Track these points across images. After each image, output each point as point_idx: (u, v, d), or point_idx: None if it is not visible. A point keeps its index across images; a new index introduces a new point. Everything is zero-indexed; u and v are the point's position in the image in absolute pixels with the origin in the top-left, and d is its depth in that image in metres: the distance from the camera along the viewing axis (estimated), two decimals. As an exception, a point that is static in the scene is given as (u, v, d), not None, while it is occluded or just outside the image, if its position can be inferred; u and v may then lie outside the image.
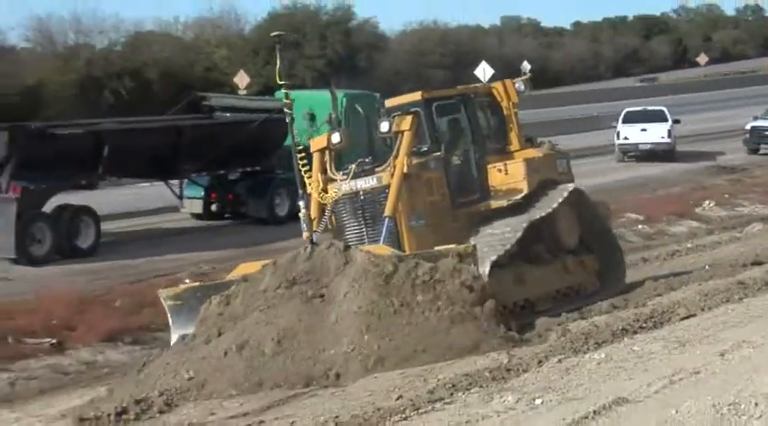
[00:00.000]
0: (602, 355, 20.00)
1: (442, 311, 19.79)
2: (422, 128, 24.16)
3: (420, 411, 17.39)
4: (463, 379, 18.99)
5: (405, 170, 22.03)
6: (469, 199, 24.08)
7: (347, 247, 20.79)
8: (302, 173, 23.99)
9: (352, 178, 22.86)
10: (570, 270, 24.76)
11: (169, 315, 21.91)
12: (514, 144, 25.24)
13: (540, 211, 23.43)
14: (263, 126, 40.97)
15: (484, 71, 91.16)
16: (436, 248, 21.07)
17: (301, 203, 23.01)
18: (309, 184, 23.57)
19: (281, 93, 47.16)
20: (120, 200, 39.35)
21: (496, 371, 19.29)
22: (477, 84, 28.45)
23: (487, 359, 20.29)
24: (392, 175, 22.21)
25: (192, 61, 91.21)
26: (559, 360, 19.84)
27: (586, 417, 15.90)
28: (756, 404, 15.33)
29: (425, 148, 24.24)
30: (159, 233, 36.39)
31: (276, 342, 19.48)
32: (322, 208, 22.84)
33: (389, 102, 25.62)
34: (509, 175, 23.95)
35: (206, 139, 39.68)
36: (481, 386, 18.45)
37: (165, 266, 32.33)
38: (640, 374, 18.34)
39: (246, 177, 41.22)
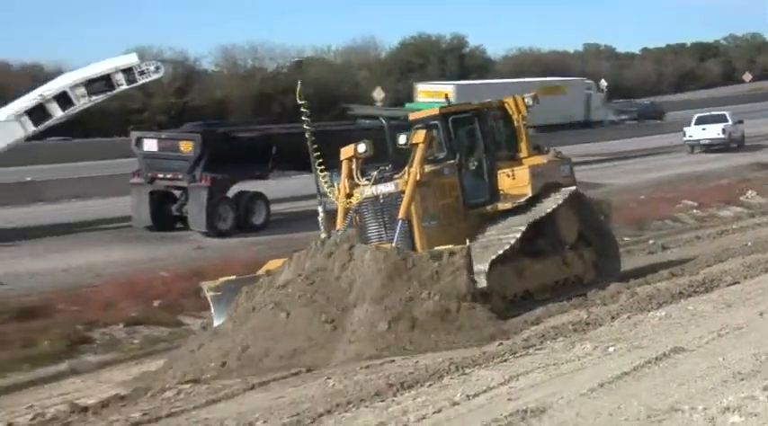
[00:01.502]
0: (663, 313, 20.17)
1: (437, 304, 19.11)
2: (438, 138, 23.25)
3: (516, 355, 17.67)
4: (551, 330, 19.33)
5: (417, 177, 21.33)
6: (480, 201, 23.20)
7: (352, 246, 20.14)
8: (321, 180, 24.33)
9: (373, 183, 22.14)
10: (569, 263, 23.66)
11: (211, 304, 21.63)
12: (523, 151, 24.05)
13: (539, 212, 22.58)
14: (395, 130, 41.12)
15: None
16: (435, 248, 20.40)
17: (319, 208, 23.67)
18: (330, 190, 23.67)
19: (408, 105, 47.51)
20: (288, 187, 39.37)
21: (578, 325, 19.61)
22: (490, 100, 25.02)
23: (570, 314, 20.70)
24: (406, 182, 21.48)
25: (341, 80, 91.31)
26: (628, 317, 20.09)
27: (650, 362, 16.03)
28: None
29: (442, 156, 23.29)
30: (313, 214, 36.57)
31: (287, 330, 19.02)
32: (346, 210, 22.24)
33: (413, 116, 25.19)
34: (516, 180, 23.11)
35: (350, 140, 39.81)
36: (565, 336, 18.77)
37: (308, 239, 32.22)
38: (693, 329, 18.50)
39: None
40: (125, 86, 36.17)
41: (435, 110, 23.74)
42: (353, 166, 22.45)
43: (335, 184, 41.07)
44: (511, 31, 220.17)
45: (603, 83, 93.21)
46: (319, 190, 25.38)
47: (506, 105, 24.12)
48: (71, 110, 35.07)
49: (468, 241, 20.53)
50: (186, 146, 35.40)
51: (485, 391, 15.32)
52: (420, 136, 21.71)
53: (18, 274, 27.61)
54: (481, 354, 17.76)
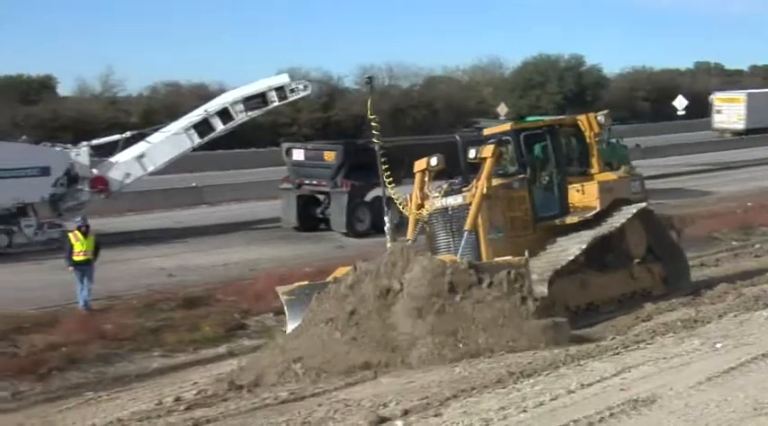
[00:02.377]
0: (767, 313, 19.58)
1: (490, 312, 17.94)
2: (510, 153, 22.22)
3: (628, 348, 17.36)
4: (661, 326, 18.99)
5: (484, 191, 20.11)
6: (550, 214, 21.69)
7: (410, 256, 18.80)
8: (390, 191, 23.40)
9: (443, 196, 21.04)
10: (636, 277, 21.95)
11: (285, 308, 20.57)
12: (595, 167, 22.80)
13: (606, 228, 21.05)
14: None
15: (680, 101, 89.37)
16: (495, 259, 19.34)
17: (386, 218, 22.68)
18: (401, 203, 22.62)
19: (530, 118, 46.93)
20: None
21: (686, 322, 19.20)
22: (563, 116, 24.58)
23: (679, 312, 20.24)
24: (474, 195, 20.31)
25: (467, 96, 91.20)
26: (735, 315, 19.65)
27: (756, 358, 15.73)
28: None
29: (513, 170, 22.01)
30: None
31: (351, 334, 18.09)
32: (416, 220, 21.26)
33: (486, 131, 23.78)
34: (585, 195, 21.73)
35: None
36: (674, 332, 18.38)
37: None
38: (798, 328, 17.96)
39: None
40: (277, 103, 36.49)
41: (508, 126, 22.84)
42: (426, 179, 21.66)
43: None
44: (625, 50, 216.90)
45: (682, 100, 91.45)
46: (386, 203, 25.27)
47: (579, 122, 23.04)
48: (231, 124, 35.42)
49: (527, 253, 19.24)
50: (329, 156, 35.86)
51: (598, 381, 15.12)
52: (488, 150, 20.75)
53: (186, 267, 27.95)
54: (595, 347, 17.55)
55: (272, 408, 15.33)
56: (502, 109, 58.60)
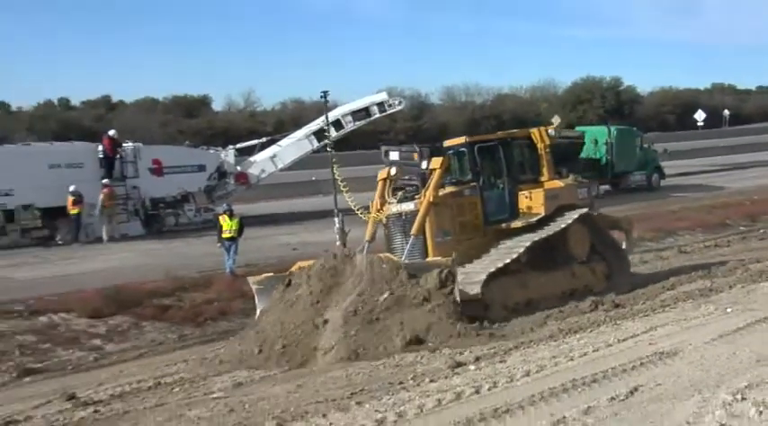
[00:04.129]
0: (769, 284, 19.45)
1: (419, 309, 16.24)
2: (465, 163, 20.19)
3: (656, 311, 17.26)
4: (682, 294, 18.83)
5: (431, 199, 18.38)
6: (500, 218, 19.68)
7: (351, 255, 17.55)
8: (346, 197, 22.25)
9: (398, 202, 19.25)
10: (577, 275, 19.76)
11: (255, 295, 18.69)
12: (545, 176, 20.51)
13: (547, 231, 19.18)
14: (565, 148, 40.26)
15: (700, 115, 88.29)
16: (429, 260, 17.77)
17: (336, 219, 21.27)
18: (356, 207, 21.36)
19: (581, 128, 46.41)
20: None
21: (703, 291, 19.04)
22: (516, 130, 21.63)
23: (697, 283, 20.05)
24: (421, 203, 18.60)
25: (528, 110, 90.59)
26: (743, 286, 19.38)
27: (759, 321, 15.55)
28: None
29: (468, 178, 19.98)
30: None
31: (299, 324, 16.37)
32: (375, 223, 19.55)
33: (446, 143, 21.10)
34: (533, 201, 19.77)
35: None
36: (693, 299, 18.21)
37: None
38: (794, 295, 17.78)
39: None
40: (378, 115, 36.55)
41: (463, 139, 20.36)
42: (386, 186, 19.77)
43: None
44: (656, 72, 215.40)
45: (700, 116, 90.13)
46: (337, 206, 24.30)
47: (532, 135, 20.93)
48: (342, 132, 35.59)
49: (454, 254, 17.50)
50: (415, 156, 35.61)
51: (632, 337, 15.06)
52: (437, 162, 19.13)
53: (306, 243, 27.83)
54: (629, 310, 17.51)
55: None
56: (555, 120, 58.05)
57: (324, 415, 11.69)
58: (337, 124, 35.58)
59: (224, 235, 23.88)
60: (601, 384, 12.14)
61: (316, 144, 35.55)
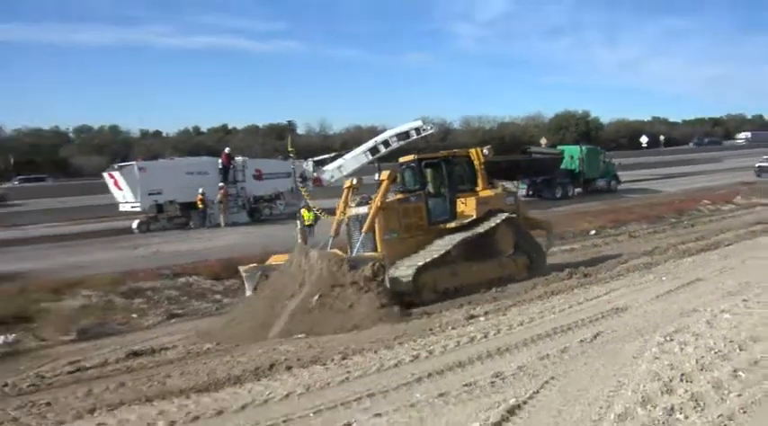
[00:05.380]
0: (691, 260, 19.29)
1: (357, 295, 14.67)
2: (413, 176, 18.62)
3: (614, 279, 17.22)
4: (632, 267, 18.69)
5: (378, 204, 16.86)
6: (441, 219, 18.12)
7: (308, 252, 15.84)
8: (309, 202, 20.54)
9: (356, 206, 17.74)
10: (503, 266, 18.19)
11: (245, 280, 16.78)
12: (480, 186, 18.92)
13: (475, 231, 17.60)
14: (550, 161, 40.24)
15: (644, 139, 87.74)
16: (365, 254, 16.30)
17: (298, 222, 18.77)
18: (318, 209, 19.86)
19: (560, 147, 46.10)
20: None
21: (646, 264, 18.83)
22: (457, 150, 19.69)
23: (642, 259, 19.81)
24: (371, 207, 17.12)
25: (523, 133, 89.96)
26: (673, 261, 19.23)
27: (684, 285, 15.53)
28: (759, 283, 14.86)
29: (416, 187, 18.36)
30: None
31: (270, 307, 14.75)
32: (338, 222, 17.95)
33: (402, 159, 19.71)
34: (467, 206, 18.37)
35: (527, 165, 39.16)
36: (639, 270, 18.09)
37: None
38: (707, 268, 17.63)
39: (542, 181, 40.14)
40: (415, 137, 36.19)
41: (413, 157, 18.93)
42: (350, 194, 18.05)
43: (518, 188, 40.69)
44: (613, 107, 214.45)
45: (644, 138, 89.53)
46: (300, 208, 22.38)
47: (470, 153, 19.37)
48: (389, 149, 35.23)
49: (384, 250, 16.56)
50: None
51: (596, 297, 15.02)
52: (385, 174, 17.67)
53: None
54: (594, 278, 17.40)
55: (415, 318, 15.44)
56: (543, 141, 57.54)
57: (375, 351, 11.82)
58: (385, 143, 35.55)
59: (306, 224, 24.16)
60: (573, 331, 12.17)
61: (370, 157, 35.37)
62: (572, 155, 41.44)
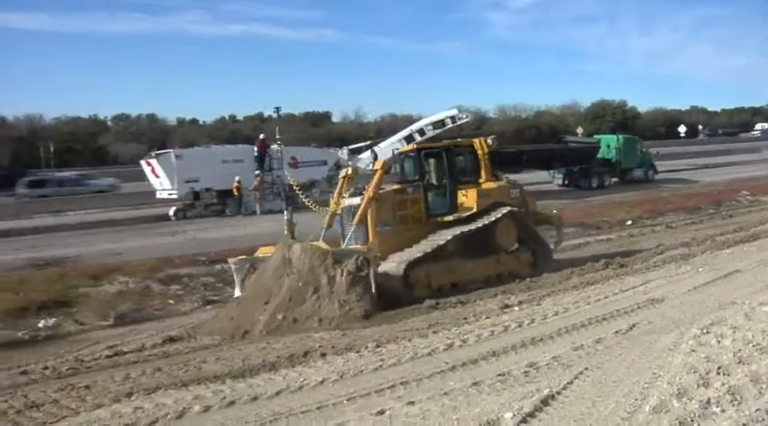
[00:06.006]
0: (730, 251, 19.00)
1: (337, 287, 13.99)
2: (413, 166, 17.72)
3: (650, 270, 17.06)
4: (669, 258, 18.47)
5: (371, 195, 16.08)
6: (440, 212, 17.28)
7: (292, 245, 15.03)
8: (294, 193, 19.39)
9: (350, 196, 16.85)
10: (503, 262, 17.32)
11: (234, 272, 15.81)
12: (483, 177, 17.94)
13: (474, 225, 16.77)
14: (586, 150, 39.89)
15: (682, 128, 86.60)
16: (350, 247, 15.49)
17: (285, 213, 17.27)
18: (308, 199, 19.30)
19: (597, 136, 45.64)
20: (530, 177, 38.31)
21: (684, 256, 18.61)
22: (460, 139, 18.38)
23: (679, 250, 19.60)
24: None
25: (559, 122, 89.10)
26: (711, 252, 18.98)
27: (721, 277, 15.29)
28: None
29: (415, 178, 17.53)
30: (543, 192, 35.63)
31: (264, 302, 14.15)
32: (332, 215, 16.91)
33: (402, 150, 18.99)
34: (467, 198, 17.36)
35: (563, 154, 38.91)
36: (676, 262, 17.83)
37: (540, 204, 31.22)
38: (746, 260, 17.30)
39: (578, 170, 39.83)
40: (450, 125, 36.13)
41: (413, 146, 18.24)
42: (344, 183, 17.23)
43: (554, 177, 40.35)
44: (653, 96, 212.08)
45: (683, 128, 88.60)
46: (287, 200, 21.03)
47: (474, 144, 18.32)
48: (425, 138, 35.11)
49: (368, 245, 15.63)
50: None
51: (631, 288, 14.88)
52: (378, 164, 17.02)
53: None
54: (630, 268, 17.26)
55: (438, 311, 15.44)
56: (579, 130, 57.16)
57: (409, 340, 11.82)
58: (421, 132, 35.50)
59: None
60: (608, 321, 12.07)
61: (405, 145, 35.55)
62: (609, 144, 41.16)
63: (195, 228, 27.34)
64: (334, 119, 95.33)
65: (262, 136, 35.56)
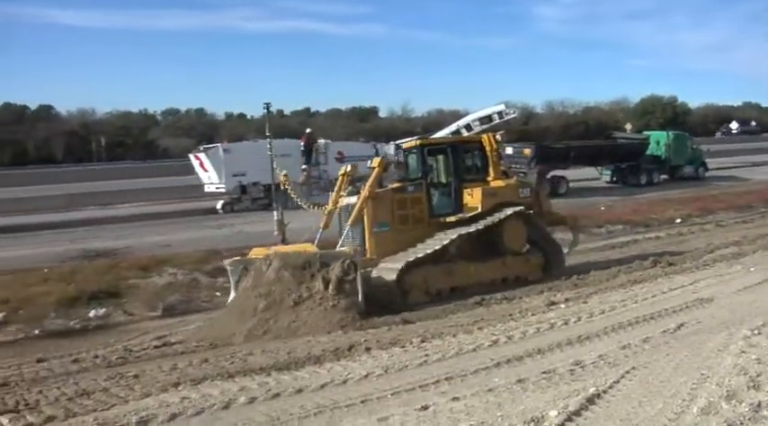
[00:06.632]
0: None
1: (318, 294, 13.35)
2: (416, 163, 16.62)
3: (699, 269, 16.83)
4: (719, 257, 18.25)
5: (366, 194, 15.38)
6: (444, 212, 16.39)
7: (272, 250, 14.88)
8: (285, 192, 19.12)
9: (347, 195, 16.16)
10: (509, 265, 16.42)
11: (229, 274, 15.00)
12: (492, 175, 16.88)
13: (476, 226, 15.89)
14: (635, 146, 39.32)
15: (734, 124, 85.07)
16: (336, 250, 14.68)
17: (275, 213, 17.22)
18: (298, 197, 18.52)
19: (646, 132, 44.97)
20: (579, 173, 37.89)
21: (734, 255, 18.38)
22: (467, 135, 16.86)
23: (730, 249, 19.29)
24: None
25: (608, 118, 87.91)
26: (762, 252, 18.72)
27: (776, 274, 15.04)
28: None
29: (418, 176, 16.52)
30: (591, 188, 35.27)
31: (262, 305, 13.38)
32: (329, 214, 16.38)
33: (405, 145, 17.68)
34: (473, 198, 16.35)
35: (611, 150, 38.38)
36: (727, 260, 17.63)
37: (588, 201, 31.03)
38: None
39: (627, 167, 39.25)
40: (497, 121, 35.65)
41: (416, 142, 17.17)
42: (343, 181, 16.59)
43: (602, 173, 39.86)
44: (702, 91, 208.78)
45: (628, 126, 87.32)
46: (276, 200, 20.37)
47: (483, 140, 17.34)
48: (471, 133, 34.87)
49: (354, 248, 14.67)
50: (526, 152, 34.94)
51: (680, 287, 14.72)
52: (376, 162, 16.17)
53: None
54: (679, 267, 17.04)
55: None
56: (628, 126, 56.26)
57: (454, 335, 11.83)
58: (468, 127, 35.30)
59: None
60: (656, 320, 11.93)
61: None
62: (658, 140, 40.53)
63: (242, 222, 27.58)
64: (381, 114, 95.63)
65: (308, 130, 35.78)
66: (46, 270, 18.27)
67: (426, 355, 10.61)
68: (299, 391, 9.29)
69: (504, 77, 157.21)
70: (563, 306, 13.66)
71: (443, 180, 16.88)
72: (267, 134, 19.15)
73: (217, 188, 32.39)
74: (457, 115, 55.08)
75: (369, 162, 16.63)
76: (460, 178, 16.75)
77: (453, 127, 35.86)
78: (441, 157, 16.96)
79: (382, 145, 36.46)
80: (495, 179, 16.97)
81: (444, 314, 13.78)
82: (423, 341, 11.47)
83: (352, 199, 15.83)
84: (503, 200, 16.63)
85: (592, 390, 8.36)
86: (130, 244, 22.33)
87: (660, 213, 27.16)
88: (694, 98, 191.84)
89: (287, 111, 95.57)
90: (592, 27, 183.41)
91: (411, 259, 14.99)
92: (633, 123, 63.28)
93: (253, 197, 32.47)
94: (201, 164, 32.54)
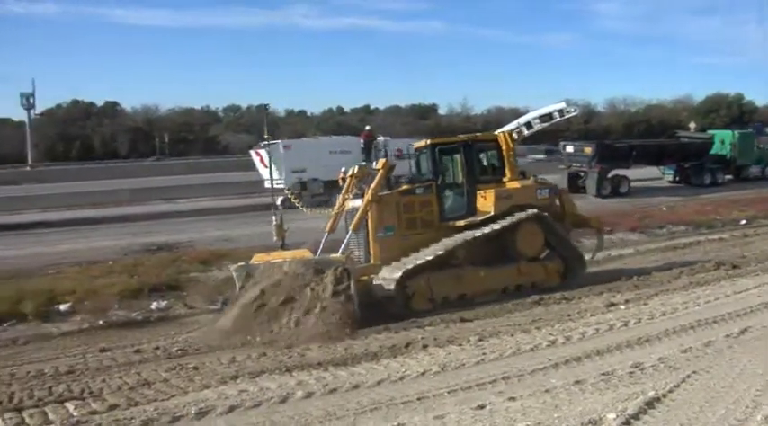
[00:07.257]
0: None
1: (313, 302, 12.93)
2: (427, 164, 15.94)
3: (764, 272, 16.33)
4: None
5: (369, 198, 14.65)
6: (455, 215, 15.54)
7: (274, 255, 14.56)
8: (288, 193, 17.94)
9: (353, 198, 15.33)
10: (524, 272, 15.48)
11: (235, 277, 14.04)
12: (508, 176, 15.98)
13: (483, 230, 15.08)
14: (699, 146, 38.50)
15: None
16: (330, 256, 14.05)
17: (274, 217, 16.75)
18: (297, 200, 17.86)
19: (710, 131, 43.99)
20: (640, 173, 37.17)
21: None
22: (481, 133, 15.98)
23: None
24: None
25: (670, 117, 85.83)
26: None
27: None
28: None
29: (429, 177, 15.76)
30: (653, 188, 34.61)
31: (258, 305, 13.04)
32: (335, 218, 15.53)
33: (416, 145, 16.74)
34: (486, 200, 15.46)
35: (674, 149, 37.65)
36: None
37: (650, 201, 30.54)
38: None
39: (690, 167, 38.45)
40: (558, 119, 35.24)
41: (426, 142, 16.14)
42: (350, 184, 15.70)
43: (664, 173, 39.11)
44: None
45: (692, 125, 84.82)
46: (275, 204, 19.90)
47: (498, 138, 16.56)
48: (531, 131, 34.41)
49: (348, 254, 14.34)
50: (587, 150, 34.59)
51: (744, 290, 14.43)
52: (380, 163, 15.37)
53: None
54: (743, 270, 16.65)
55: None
56: (692, 125, 55.13)
57: (512, 334, 11.78)
58: (528, 125, 35.01)
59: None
60: (719, 324, 11.70)
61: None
62: (723, 139, 39.62)
63: (300, 218, 27.79)
64: (441, 111, 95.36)
65: (368, 127, 35.92)
66: (110, 263, 18.73)
67: (483, 354, 10.59)
68: (356, 387, 9.36)
69: (565, 74, 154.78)
70: (623, 307, 13.47)
71: (456, 181, 16.11)
72: (266, 136, 18.94)
73: (276, 184, 32.79)
74: (517, 113, 54.55)
75: (373, 164, 16.14)
76: (474, 179, 15.97)
77: (513, 125, 35.52)
78: (453, 157, 16.21)
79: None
80: (510, 180, 16.22)
81: (502, 312, 13.71)
82: (480, 340, 11.45)
83: (357, 203, 15.20)
84: (518, 203, 15.88)
85: (651, 394, 8.24)
86: (192, 238, 22.71)
87: (724, 214, 26.58)
88: (761, 96, 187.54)
89: (346, 108, 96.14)
90: (654, 24, 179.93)
91: (410, 266, 14.33)
92: (697, 122, 62.00)
93: (312, 193, 32.79)
94: (262, 160, 32.94)
